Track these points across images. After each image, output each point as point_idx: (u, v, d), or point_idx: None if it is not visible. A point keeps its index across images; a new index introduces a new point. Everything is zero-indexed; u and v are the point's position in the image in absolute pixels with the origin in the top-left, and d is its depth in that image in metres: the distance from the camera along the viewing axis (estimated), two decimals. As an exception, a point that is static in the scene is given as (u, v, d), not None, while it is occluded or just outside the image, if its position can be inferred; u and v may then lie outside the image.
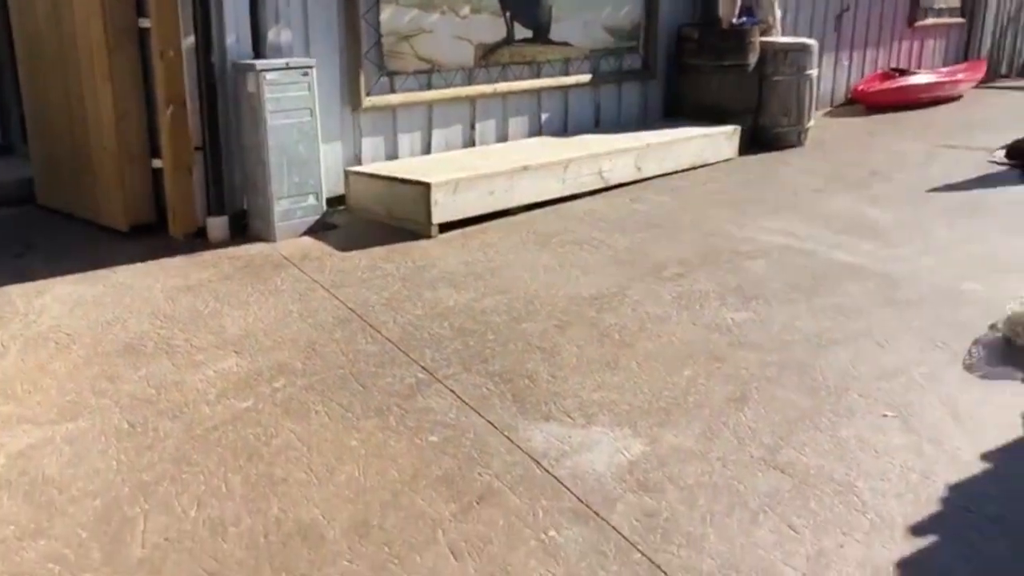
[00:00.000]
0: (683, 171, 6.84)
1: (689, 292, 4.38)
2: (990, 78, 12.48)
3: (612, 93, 7.42)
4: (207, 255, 4.87)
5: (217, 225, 5.09)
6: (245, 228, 5.22)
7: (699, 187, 6.48)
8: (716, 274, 4.64)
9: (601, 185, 6.26)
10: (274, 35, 5.23)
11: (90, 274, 4.54)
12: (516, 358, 3.62)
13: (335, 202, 5.61)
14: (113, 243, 5.08)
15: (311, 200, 5.24)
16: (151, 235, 5.16)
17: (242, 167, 5.19)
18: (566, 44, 6.95)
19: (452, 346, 3.73)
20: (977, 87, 11.53)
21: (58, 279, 4.46)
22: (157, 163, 5.14)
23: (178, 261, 4.76)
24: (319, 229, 5.26)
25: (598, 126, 7.30)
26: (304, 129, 5.11)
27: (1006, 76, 13.29)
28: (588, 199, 6.07)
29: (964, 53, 12.27)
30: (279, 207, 5.08)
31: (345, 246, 5.04)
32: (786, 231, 5.37)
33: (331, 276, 4.57)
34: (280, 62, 5.04)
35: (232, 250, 4.96)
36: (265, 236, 5.10)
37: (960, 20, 12.06)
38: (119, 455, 2.90)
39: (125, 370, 3.50)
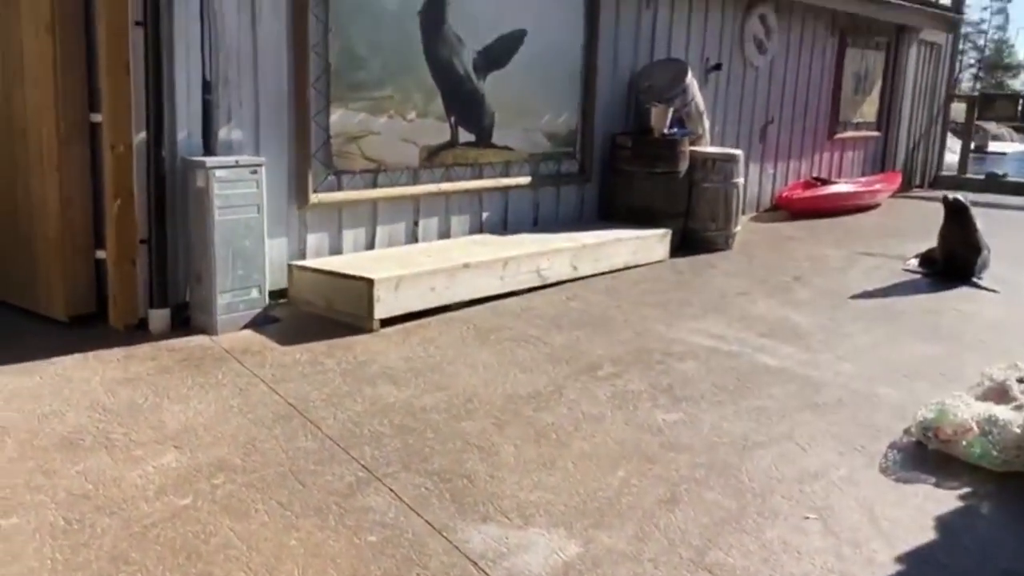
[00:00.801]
0: (617, 271, 7.11)
1: (623, 392, 4.54)
2: (905, 188, 13.29)
3: (550, 195, 7.72)
4: (147, 347, 4.88)
5: (159, 317, 5.11)
6: (187, 320, 5.25)
7: (632, 287, 6.73)
8: (649, 374, 4.82)
9: (539, 283, 6.47)
10: (225, 133, 5.38)
11: (27, 365, 4.51)
12: (455, 457, 3.71)
13: (278, 295, 5.68)
14: (52, 333, 5.06)
15: (254, 293, 5.31)
16: (91, 326, 5.15)
17: (187, 260, 5.26)
18: (507, 148, 7.25)
19: (392, 444, 3.80)
20: (893, 197, 12.25)
21: (-7, 369, 4.42)
22: (101, 254, 5.17)
23: (118, 353, 4.76)
24: (261, 322, 5.32)
25: (536, 226, 7.57)
26: (251, 224, 5.22)
27: (920, 187, 14.17)
28: (526, 296, 6.26)
29: (880, 164, 13.06)
30: (222, 300, 5.13)
31: (287, 340, 5.10)
32: (714, 333, 5.61)
33: (272, 370, 4.62)
34: (230, 160, 5.17)
35: (173, 342, 4.97)
36: (207, 329, 5.13)
37: (876, 133, 12.87)
38: (55, 553, 2.88)
39: (62, 465, 3.48)
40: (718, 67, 9.41)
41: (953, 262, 7.34)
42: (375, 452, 3.71)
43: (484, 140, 7.07)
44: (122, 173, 4.99)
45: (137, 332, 5.09)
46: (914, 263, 7.77)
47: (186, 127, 5.20)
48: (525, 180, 7.41)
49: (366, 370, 4.69)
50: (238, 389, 4.34)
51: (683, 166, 7.90)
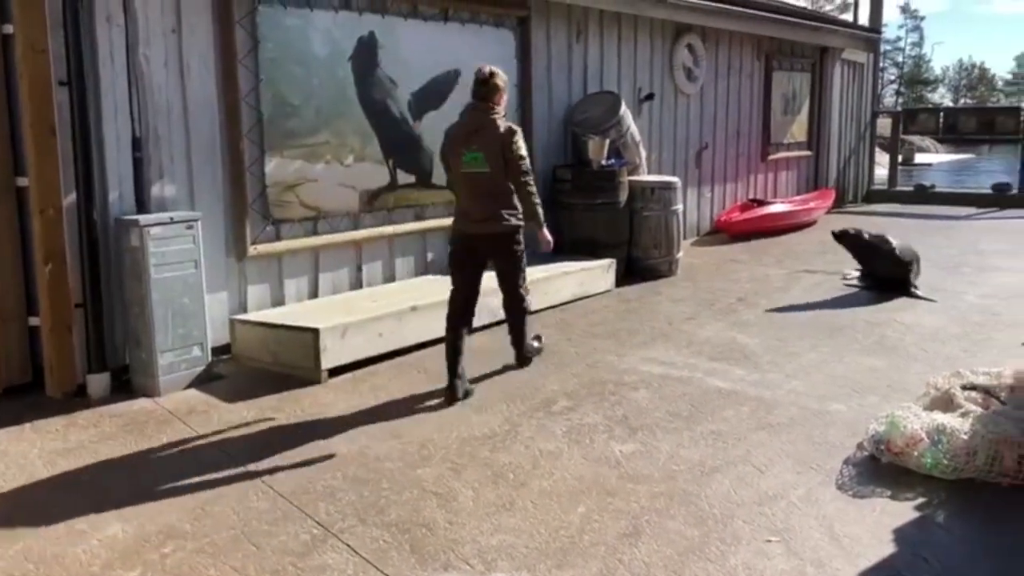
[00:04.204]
0: (566, 304, 7.12)
1: (579, 426, 4.52)
2: (839, 204, 13.63)
3: (494, 231, 7.72)
4: (87, 414, 4.72)
5: (98, 382, 4.96)
6: (128, 383, 5.10)
7: (581, 319, 6.74)
8: (603, 406, 4.81)
9: (489, 320, 6.42)
10: (158, 189, 5.28)
11: (-41, 442, 4.33)
12: (413, 506, 3.63)
13: (221, 351, 5.56)
14: (-16, 406, 4.87)
15: (196, 351, 5.18)
16: (27, 395, 4.96)
17: (124, 321, 5.12)
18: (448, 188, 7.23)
19: (347, 497, 3.71)
20: (828, 213, 12.53)
21: (-77, 449, 4.23)
22: (34, 320, 5.00)
23: (56, 422, 4.59)
24: (205, 380, 5.19)
25: (482, 263, 7.55)
26: (189, 281, 5.11)
27: (853, 202, 14.54)
28: (477, 335, 6.20)
29: (814, 182, 13.37)
30: (163, 360, 5.00)
31: (232, 397, 4.98)
32: (664, 360, 5.63)
33: (219, 430, 4.50)
34: (164, 216, 5.07)
35: (114, 407, 4.82)
36: (149, 391, 4.99)
37: (808, 153, 13.19)
38: (-6, 642, 2.74)
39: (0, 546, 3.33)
40: (650, 97, 9.57)
41: (875, 276, 7.63)
42: (330, 507, 3.62)
43: (424, 181, 7.06)
44: (52, 237, 4.86)
45: (76, 399, 4.92)
46: (855, 276, 7.93)
47: (117, 186, 5.10)
48: (467, 218, 7.39)
49: (316, 423, 4.59)
50: (184, 452, 4.22)
51: (623, 196, 7.98)
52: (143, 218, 4.97)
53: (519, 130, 4.98)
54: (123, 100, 5.08)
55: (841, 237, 7.77)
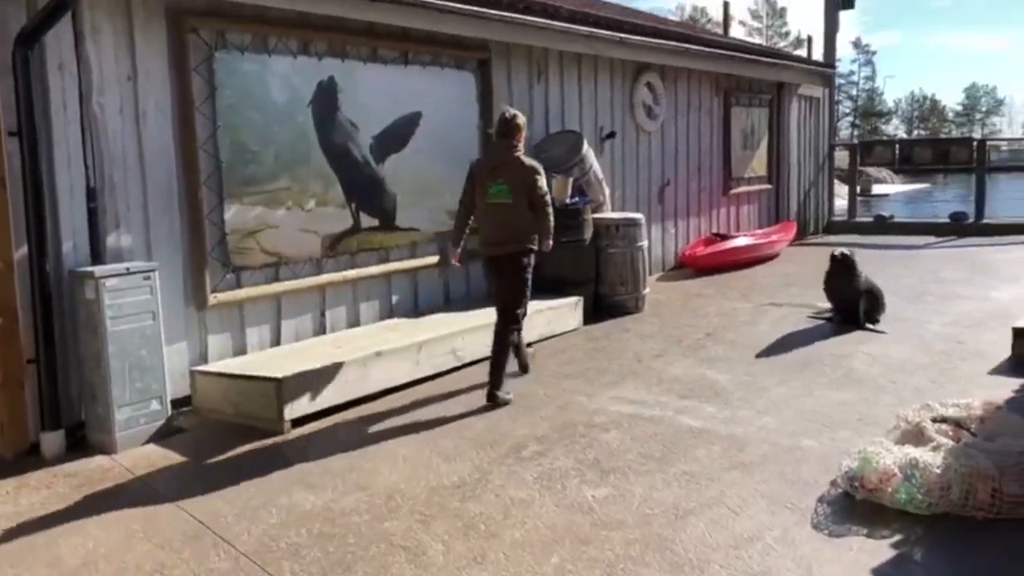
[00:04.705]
0: (533, 343, 7.04)
1: (550, 471, 4.43)
2: (801, 236, 13.77)
3: (461, 272, 7.65)
4: (41, 474, 4.54)
5: (52, 440, 4.79)
6: (83, 440, 4.93)
7: (550, 359, 6.68)
8: (574, 449, 4.73)
9: (456, 364, 6.35)
10: (114, 240, 5.16)
11: (-97, 509, 4.13)
12: (380, 562, 3.51)
13: (182, 404, 5.41)
14: (-69, 470, 4.67)
15: (155, 405, 5.04)
16: (-24, 457, 4.79)
17: (79, 376, 4.96)
18: (413, 229, 7.19)
19: (312, 554, 3.59)
20: (791, 245, 12.65)
21: None
22: (-16, 378, 4.84)
23: (8, 484, 4.41)
24: (165, 435, 5.04)
25: (449, 304, 7.48)
26: (147, 333, 4.98)
27: (815, 234, 14.70)
28: (444, 379, 6.13)
29: (775, 215, 13.51)
30: (120, 415, 4.85)
31: (193, 452, 4.83)
32: (634, 399, 5.57)
33: (178, 487, 4.35)
34: (120, 267, 4.95)
35: (69, 466, 4.65)
36: (106, 448, 4.82)
37: (768, 186, 13.34)
38: None
39: (-56, 621, 3.16)
40: (612, 135, 9.62)
41: (844, 306, 7.57)
42: (294, 566, 3.49)
43: (388, 223, 7.00)
44: (3, 292, 4.72)
45: (29, 458, 4.75)
46: (826, 309, 7.87)
47: (71, 237, 4.97)
48: (433, 259, 7.34)
49: (280, 476, 4.46)
50: (142, 511, 4.06)
51: (588, 234, 7.97)
52: (98, 269, 4.84)
53: (540, 167, 5.71)
54: (77, 149, 4.97)
55: (840, 258, 7.61)
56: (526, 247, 5.62)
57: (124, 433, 4.86)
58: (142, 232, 5.33)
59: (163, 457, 4.77)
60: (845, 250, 7.71)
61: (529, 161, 5.66)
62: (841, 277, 7.58)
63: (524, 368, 6.18)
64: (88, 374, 4.90)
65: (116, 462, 4.70)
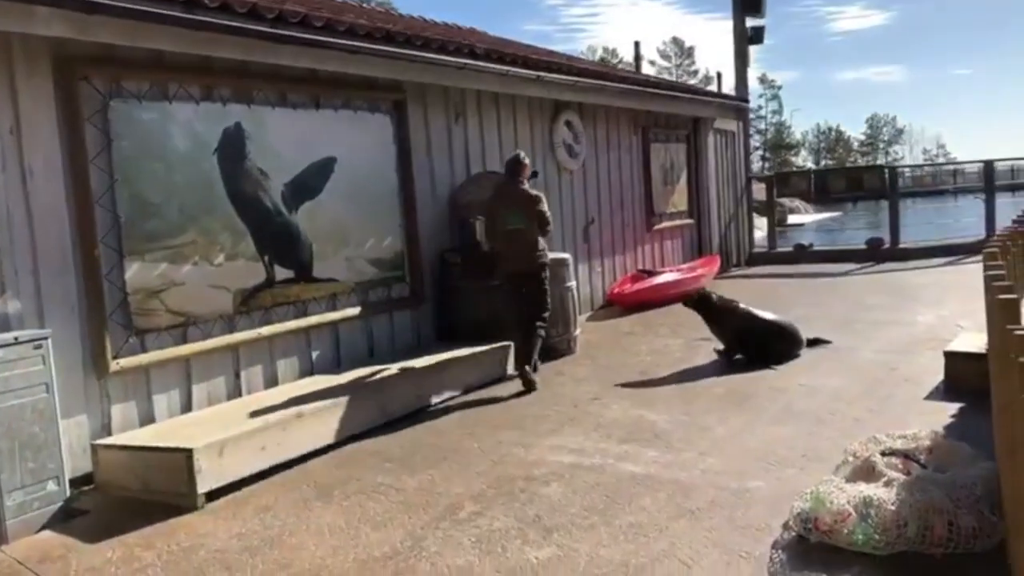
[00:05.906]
0: (459, 394, 6.76)
1: (489, 533, 4.13)
2: (725, 269, 13.84)
3: (384, 323, 7.35)
4: (-84, 575, 4.05)
5: (-71, 535, 4.28)
6: (-33, 532, 4.43)
7: (482, 408, 6.39)
8: (513, 506, 4.44)
9: (384, 419, 6.02)
10: (0, 307, 4.71)
11: None
12: (306, 653, 3.16)
13: (83, 482, 4.94)
14: None
15: (51, 487, 4.57)
16: None
17: (-38, 460, 4.47)
18: (331, 280, 6.86)
19: (229, 649, 3.21)
20: (716, 278, 12.66)
21: None
22: None
23: None
24: (63, 519, 4.56)
25: (373, 357, 7.14)
26: (39, 407, 4.53)
27: (737, 265, 14.82)
28: (371, 437, 5.78)
29: (698, 249, 13.56)
30: (10, 501, 4.37)
31: (95, 536, 4.37)
32: (573, 447, 5.32)
33: (78, 578, 3.91)
34: (7, 337, 4.50)
35: (-50, 563, 4.16)
36: (-6, 538, 4.34)
37: (690, 221, 13.40)
38: None
39: None
40: (534, 175, 9.46)
41: (746, 344, 7.40)
42: (208, 665, 3.11)
43: (304, 275, 6.65)
44: None
45: (-96, 557, 4.23)
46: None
47: (-50, 306, 4.52)
48: (354, 311, 7.01)
49: (193, 558, 4.05)
50: (34, 611, 3.62)
51: (515, 276, 7.77)
52: (-19, 341, 4.39)
53: (543, 195, 7.09)
54: (-46, 211, 4.55)
55: (696, 298, 7.69)
56: (543, 262, 6.94)
57: (15, 520, 4.38)
58: (33, 297, 4.88)
59: (61, 545, 4.30)
60: (701, 288, 7.73)
61: (533, 191, 7.03)
62: (720, 316, 7.51)
63: (526, 378, 6.77)
64: (-28, 457, 4.42)
65: (5, 554, 4.21)
